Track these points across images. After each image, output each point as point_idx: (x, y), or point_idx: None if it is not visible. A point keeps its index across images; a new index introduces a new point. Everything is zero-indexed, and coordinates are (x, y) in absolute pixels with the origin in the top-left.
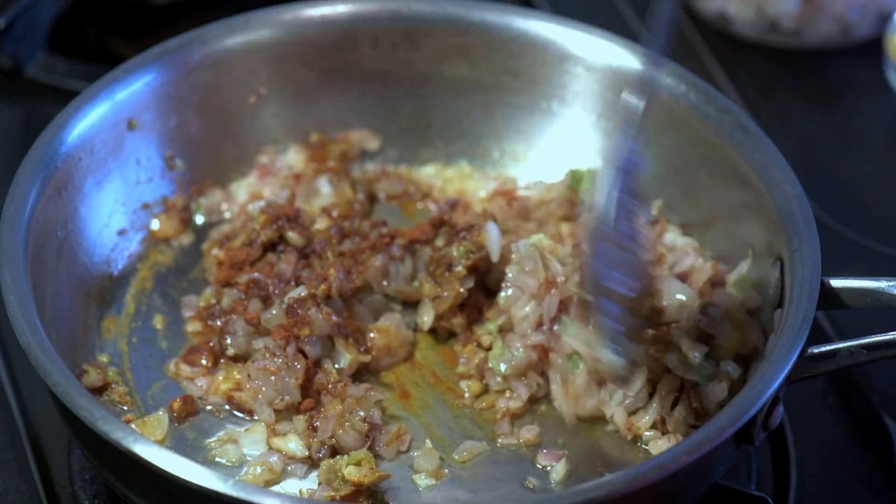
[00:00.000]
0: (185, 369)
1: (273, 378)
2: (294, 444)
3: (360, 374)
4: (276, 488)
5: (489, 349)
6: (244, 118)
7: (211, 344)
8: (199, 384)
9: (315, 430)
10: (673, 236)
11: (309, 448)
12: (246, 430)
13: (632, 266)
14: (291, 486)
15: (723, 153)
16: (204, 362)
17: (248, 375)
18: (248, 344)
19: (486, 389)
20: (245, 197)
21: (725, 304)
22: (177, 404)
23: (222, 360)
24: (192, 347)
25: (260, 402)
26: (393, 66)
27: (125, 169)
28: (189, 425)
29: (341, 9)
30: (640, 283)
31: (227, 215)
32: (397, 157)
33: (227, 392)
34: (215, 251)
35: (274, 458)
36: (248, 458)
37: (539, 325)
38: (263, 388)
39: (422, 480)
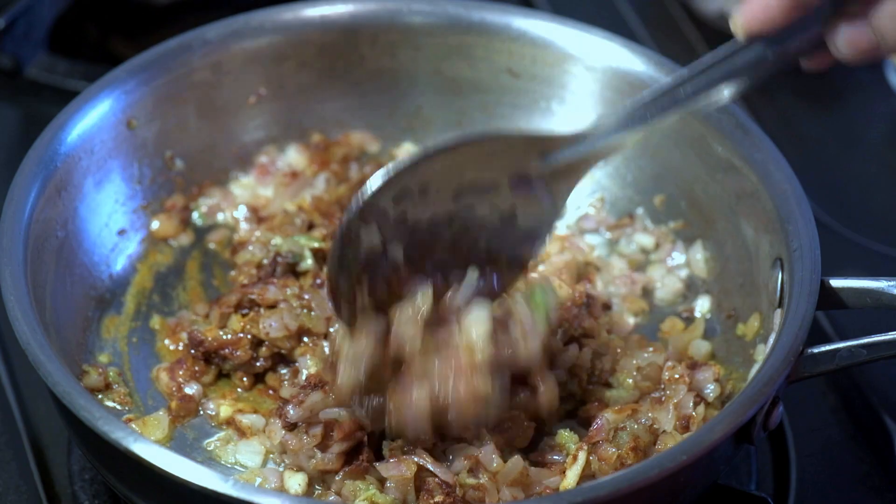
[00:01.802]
0: (164, 377)
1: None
2: (294, 483)
3: None
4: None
5: None
6: (244, 118)
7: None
8: (190, 390)
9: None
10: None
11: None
12: (245, 437)
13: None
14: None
15: (723, 153)
16: (182, 375)
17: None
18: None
19: None
20: (245, 197)
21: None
22: (176, 404)
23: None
24: (178, 360)
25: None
26: (393, 66)
27: (125, 169)
28: (189, 425)
29: (341, 9)
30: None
31: (223, 216)
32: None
33: (228, 418)
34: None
35: (272, 475)
36: (248, 465)
37: None
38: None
39: None
